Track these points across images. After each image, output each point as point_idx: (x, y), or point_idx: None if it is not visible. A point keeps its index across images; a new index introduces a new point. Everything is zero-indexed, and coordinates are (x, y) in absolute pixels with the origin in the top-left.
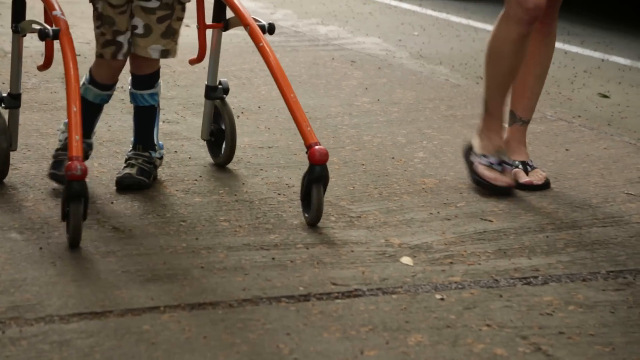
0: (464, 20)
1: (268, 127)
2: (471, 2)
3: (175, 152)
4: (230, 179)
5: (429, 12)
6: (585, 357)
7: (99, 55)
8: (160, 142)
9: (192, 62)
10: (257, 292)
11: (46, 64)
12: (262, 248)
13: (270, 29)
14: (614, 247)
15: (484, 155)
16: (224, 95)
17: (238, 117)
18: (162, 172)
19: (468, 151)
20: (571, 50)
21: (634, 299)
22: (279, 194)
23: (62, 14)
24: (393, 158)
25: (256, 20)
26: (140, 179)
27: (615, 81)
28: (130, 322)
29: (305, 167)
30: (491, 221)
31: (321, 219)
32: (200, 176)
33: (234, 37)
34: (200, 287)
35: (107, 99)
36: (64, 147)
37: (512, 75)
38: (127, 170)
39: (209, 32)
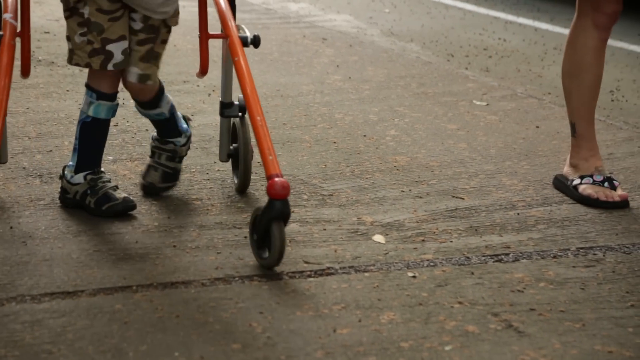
0: None
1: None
2: None
3: (147, 130)
4: (202, 157)
5: None
6: (556, 333)
7: (86, 65)
8: (184, 126)
9: (198, 75)
10: (229, 271)
11: None
12: (234, 227)
13: (255, 42)
14: (583, 224)
15: (587, 176)
16: (240, 114)
17: (209, 95)
18: (133, 151)
19: (562, 182)
20: (541, 27)
21: (603, 275)
22: (251, 173)
23: (15, 17)
24: (365, 136)
25: (242, 30)
26: (165, 187)
27: None
28: (102, 301)
29: (277, 145)
30: (462, 199)
31: (294, 197)
32: None
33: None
34: (173, 266)
35: (116, 110)
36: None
37: (597, 87)
38: (151, 178)
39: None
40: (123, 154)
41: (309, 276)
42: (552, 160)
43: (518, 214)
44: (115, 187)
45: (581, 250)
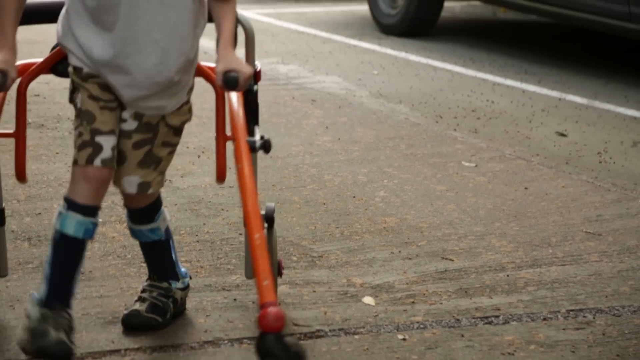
0: (423, 59)
1: (229, 167)
2: (430, 41)
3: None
4: (191, 219)
5: (388, 51)
6: None
7: (74, 162)
8: (183, 269)
9: (216, 181)
10: (218, 334)
11: None
12: (223, 289)
13: (265, 147)
14: (573, 286)
15: None
16: (266, 224)
17: (199, 156)
18: (122, 213)
19: None
20: (529, 89)
21: (594, 338)
22: (240, 234)
23: None
24: (354, 197)
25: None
26: (150, 318)
27: (573, 120)
28: None
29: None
30: (452, 260)
31: (284, 259)
32: None
33: None
34: (162, 329)
35: (92, 231)
36: None
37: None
38: (136, 307)
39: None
40: (112, 216)
41: (299, 339)
42: (541, 221)
43: (508, 275)
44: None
45: (571, 312)
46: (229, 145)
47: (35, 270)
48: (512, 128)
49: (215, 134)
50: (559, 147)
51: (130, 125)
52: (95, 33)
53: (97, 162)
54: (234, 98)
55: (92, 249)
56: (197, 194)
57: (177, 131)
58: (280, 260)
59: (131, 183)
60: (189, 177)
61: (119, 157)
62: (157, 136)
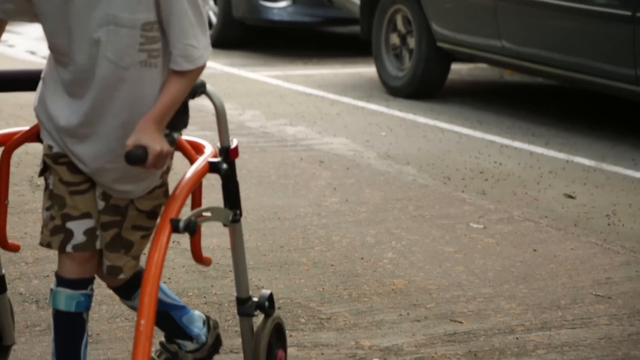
0: (430, 121)
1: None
2: (437, 103)
3: (144, 253)
4: (199, 280)
5: (396, 112)
6: None
7: (47, 245)
8: (197, 329)
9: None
10: None
11: None
12: (231, 351)
13: (189, 229)
14: (583, 350)
15: None
16: (256, 313)
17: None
18: None
19: None
20: (536, 151)
21: None
22: None
23: None
24: (362, 258)
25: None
26: None
27: (581, 182)
28: None
29: (275, 268)
30: (461, 322)
31: (292, 321)
32: (169, 278)
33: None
34: None
35: (85, 303)
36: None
37: None
38: None
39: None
40: None
41: None
42: (550, 284)
43: (517, 338)
44: None
45: None
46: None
47: (42, 333)
48: (520, 190)
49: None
50: (567, 209)
51: (100, 204)
52: (66, 102)
53: (69, 248)
54: (189, 172)
55: (100, 311)
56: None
57: (151, 214)
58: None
59: (102, 263)
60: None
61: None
62: (126, 219)
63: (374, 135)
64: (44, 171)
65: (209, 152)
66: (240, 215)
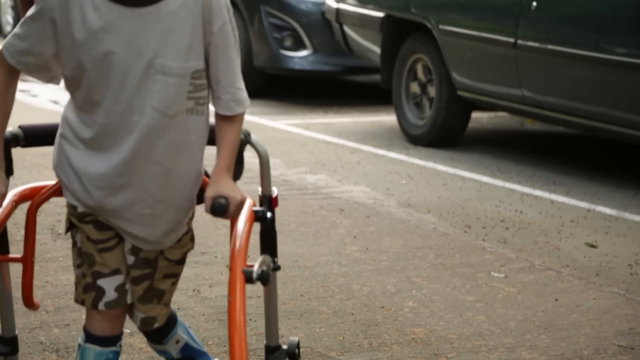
0: (450, 169)
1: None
2: (458, 152)
3: None
4: (219, 329)
5: (416, 161)
6: None
7: (82, 302)
8: None
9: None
10: None
11: None
12: None
13: (263, 279)
14: None
15: None
16: None
17: (227, 266)
18: None
19: None
20: (557, 200)
21: None
22: None
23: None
24: (383, 307)
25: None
26: None
27: (602, 231)
28: None
29: (295, 317)
30: None
31: None
32: (189, 326)
33: None
34: None
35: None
36: None
37: None
38: None
39: None
40: None
41: None
42: (572, 334)
43: None
44: None
45: None
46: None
47: None
48: (542, 239)
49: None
50: (589, 258)
51: (129, 259)
52: (95, 155)
53: (101, 306)
54: (241, 224)
55: None
56: (225, 304)
57: (179, 261)
58: None
59: (136, 316)
60: (217, 286)
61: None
62: (157, 271)
63: (394, 183)
64: (71, 229)
65: (249, 202)
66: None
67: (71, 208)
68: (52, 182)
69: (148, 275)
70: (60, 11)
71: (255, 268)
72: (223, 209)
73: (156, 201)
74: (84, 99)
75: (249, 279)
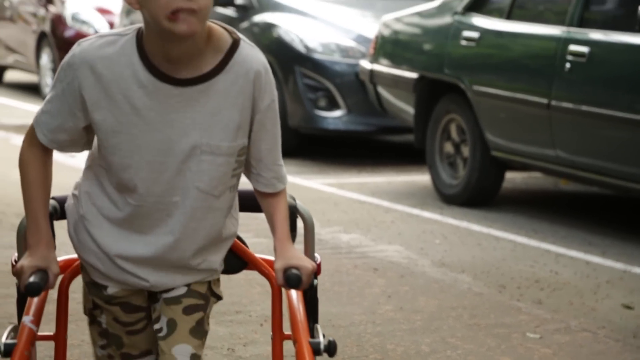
0: (484, 229)
1: None
2: (492, 211)
3: None
4: None
5: (450, 220)
6: None
7: None
8: None
9: None
10: None
11: None
12: None
13: (330, 349)
14: None
15: None
16: None
17: (261, 325)
18: None
19: None
20: (593, 261)
21: None
22: None
23: (36, 322)
24: None
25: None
26: None
27: (639, 292)
28: None
29: None
30: None
31: None
32: None
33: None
34: None
35: None
36: None
37: None
38: None
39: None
40: None
41: None
42: None
43: None
44: None
45: None
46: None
47: None
48: (577, 300)
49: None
50: (626, 320)
51: (179, 291)
52: (124, 236)
53: None
54: (294, 294)
55: None
56: None
57: (218, 299)
58: None
59: (183, 353)
60: (252, 345)
61: (170, 327)
62: (209, 305)
63: (428, 242)
64: (94, 309)
65: None
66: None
67: (96, 289)
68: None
69: (201, 307)
70: (90, 88)
71: (321, 339)
72: (298, 281)
73: (187, 269)
74: (117, 179)
75: (316, 350)
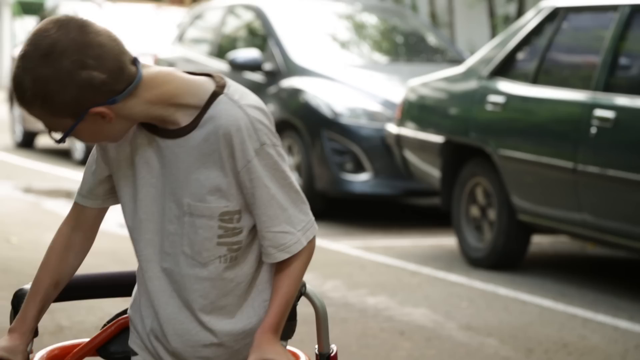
0: (511, 293)
1: None
2: (518, 275)
3: None
4: None
5: (477, 283)
6: None
7: None
8: None
9: None
10: None
11: None
12: None
13: None
14: None
15: None
16: None
17: None
18: None
19: None
20: (621, 325)
21: None
22: None
23: None
24: None
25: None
26: None
27: None
28: None
29: None
30: None
31: None
32: None
33: None
34: None
35: None
36: None
37: None
38: None
39: None
40: None
41: None
42: None
43: None
44: None
45: None
46: None
47: None
48: None
49: None
50: None
51: None
52: (144, 302)
53: None
54: None
55: None
56: None
57: None
58: None
59: None
60: None
61: None
62: None
63: (454, 306)
64: None
65: None
66: None
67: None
68: (83, 339)
69: None
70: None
71: None
72: None
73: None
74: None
75: None
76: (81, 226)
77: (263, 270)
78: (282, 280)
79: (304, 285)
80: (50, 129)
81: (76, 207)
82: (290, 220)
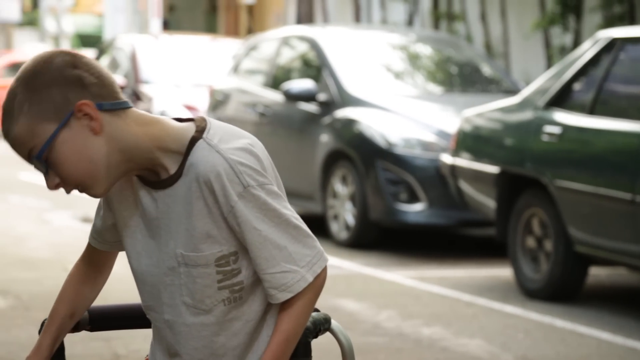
0: (568, 325)
1: None
2: (576, 307)
3: None
4: None
5: (533, 315)
6: None
7: None
8: None
9: None
10: None
11: None
12: None
13: None
14: None
15: None
16: None
17: None
18: None
19: None
20: None
21: None
22: None
23: None
24: None
25: None
26: None
27: None
28: None
29: None
30: None
31: None
32: None
33: None
34: None
35: None
36: None
37: None
38: None
39: None
40: None
41: None
42: None
43: None
44: None
45: None
46: None
47: None
48: None
49: None
50: None
51: None
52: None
53: None
54: None
55: None
56: None
57: None
58: None
59: None
60: None
61: None
62: None
63: (510, 337)
64: None
65: None
66: None
67: None
68: None
69: None
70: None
71: None
72: None
73: None
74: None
75: None
76: (94, 262)
77: (274, 306)
78: (283, 318)
79: (328, 320)
80: (33, 147)
81: (89, 245)
82: (291, 258)
